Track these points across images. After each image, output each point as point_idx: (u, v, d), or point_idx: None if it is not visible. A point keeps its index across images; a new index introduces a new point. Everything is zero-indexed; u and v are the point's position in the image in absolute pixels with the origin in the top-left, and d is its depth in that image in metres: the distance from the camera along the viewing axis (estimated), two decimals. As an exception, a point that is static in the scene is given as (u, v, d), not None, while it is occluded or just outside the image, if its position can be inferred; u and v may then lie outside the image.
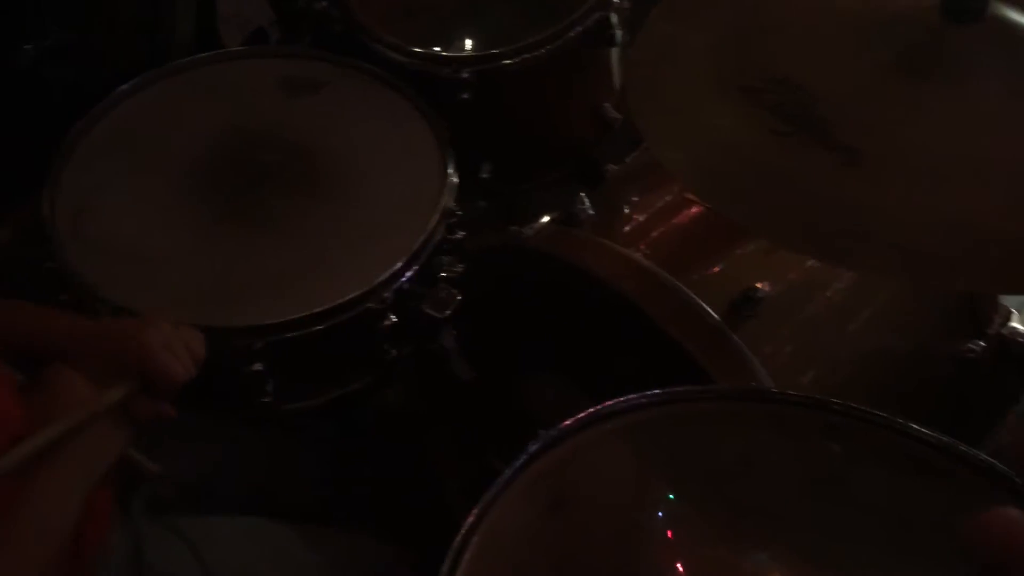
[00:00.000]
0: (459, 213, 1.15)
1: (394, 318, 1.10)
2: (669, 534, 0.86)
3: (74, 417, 0.78)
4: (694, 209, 1.38)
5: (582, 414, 0.92)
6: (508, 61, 1.25)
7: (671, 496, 0.88)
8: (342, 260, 1.11)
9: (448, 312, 1.14)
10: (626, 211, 1.41)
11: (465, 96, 1.26)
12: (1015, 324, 1.42)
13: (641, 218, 1.38)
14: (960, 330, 1.40)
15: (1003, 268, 0.91)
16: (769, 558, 0.84)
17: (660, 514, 0.88)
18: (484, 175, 1.35)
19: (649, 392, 0.94)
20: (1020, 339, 1.40)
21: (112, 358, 0.83)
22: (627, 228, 1.36)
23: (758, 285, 1.18)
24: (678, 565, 0.83)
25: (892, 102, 1.00)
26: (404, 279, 1.09)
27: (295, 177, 1.18)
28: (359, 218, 1.15)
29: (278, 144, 1.22)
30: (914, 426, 0.90)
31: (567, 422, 0.92)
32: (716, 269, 1.30)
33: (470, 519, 0.84)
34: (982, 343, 1.37)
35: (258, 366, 1.06)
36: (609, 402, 0.93)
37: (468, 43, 1.36)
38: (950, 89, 0.99)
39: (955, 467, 0.87)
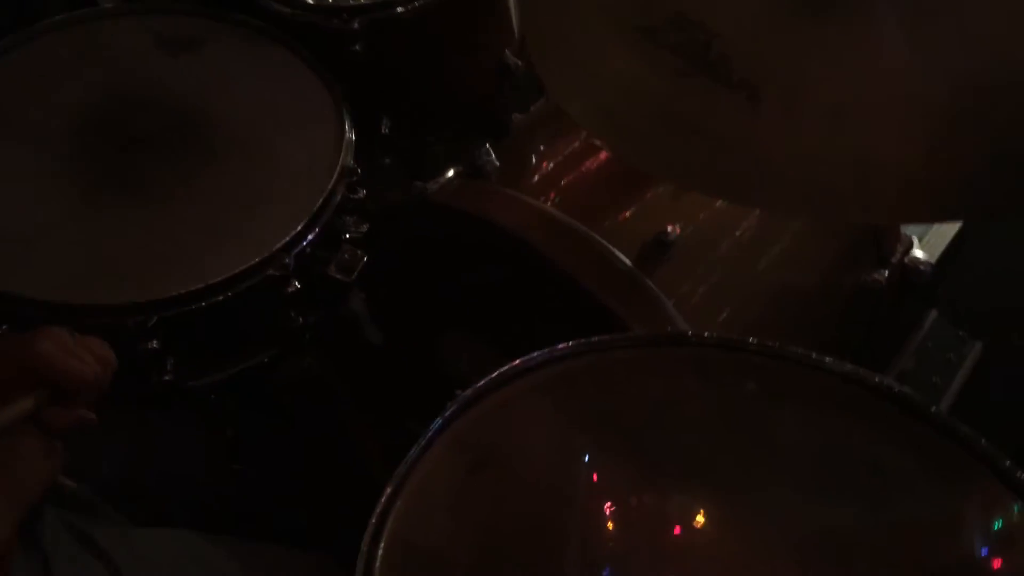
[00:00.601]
0: (359, 171, 1.10)
1: (298, 284, 1.05)
2: (595, 480, 0.86)
3: None
4: (602, 155, 1.36)
5: (497, 372, 0.91)
6: (400, 9, 1.19)
7: (594, 445, 0.88)
8: (238, 227, 1.05)
9: (355, 275, 1.10)
10: (533, 161, 1.38)
11: (356, 48, 1.20)
12: (916, 252, 1.45)
13: (549, 167, 1.36)
14: (865, 261, 1.42)
15: (902, 199, 0.92)
16: (693, 499, 0.85)
17: (584, 464, 0.87)
18: (384, 131, 1.30)
19: (563, 345, 0.93)
20: (921, 267, 1.44)
21: (7, 367, 0.76)
22: (535, 178, 1.34)
23: (668, 228, 1.17)
24: (606, 510, 0.84)
25: (790, 38, 0.99)
26: (305, 243, 1.04)
27: (179, 143, 1.12)
28: (253, 182, 1.09)
29: (159, 108, 1.14)
30: (828, 360, 0.91)
31: (482, 381, 0.90)
32: (627, 214, 1.29)
33: (389, 487, 0.82)
34: (886, 272, 1.40)
35: (154, 344, 1.00)
36: (523, 358, 0.92)
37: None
38: (847, 25, 0.98)
39: (871, 400, 0.89)
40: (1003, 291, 1.90)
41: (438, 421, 0.87)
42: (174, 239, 1.04)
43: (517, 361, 0.93)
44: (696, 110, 0.97)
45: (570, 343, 0.93)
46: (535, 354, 0.93)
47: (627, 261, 1.17)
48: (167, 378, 1.04)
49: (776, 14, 1.00)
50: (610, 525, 0.83)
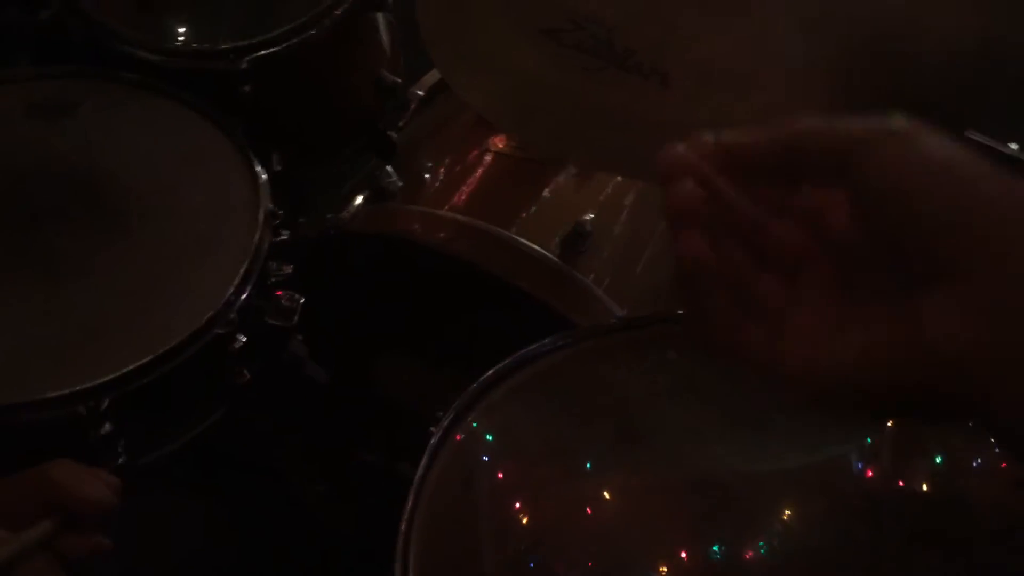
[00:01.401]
0: (280, 213, 1.08)
1: (243, 338, 1.02)
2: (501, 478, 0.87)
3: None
4: (488, 158, 1.39)
5: (461, 398, 0.90)
6: (286, 43, 1.17)
7: (562, 447, 0.90)
8: (171, 289, 1.00)
9: (295, 319, 1.08)
10: (427, 175, 1.40)
11: (246, 89, 1.17)
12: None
13: (444, 178, 1.38)
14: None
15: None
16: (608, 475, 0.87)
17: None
18: (276, 167, 1.27)
19: (503, 363, 0.93)
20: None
21: (24, 502, 0.74)
22: (434, 191, 1.36)
23: (585, 218, 1.22)
24: (516, 504, 0.85)
25: (679, 19, 1.05)
26: (245, 294, 1.01)
27: (84, 212, 1.05)
28: (173, 241, 1.04)
29: (50, 179, 1.07)
30: None
31: (451, 410, 0.89)
32: (532, 211, 1.33)
33: (402, 526, 0.81)
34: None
35: (107, 427, 0.94)
36: (475, 384, 0.91)
37: (214, 33, 1.26)
38: (729, 10, 1.05)
39: None
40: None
41: (426, 458, 0.86)
42: (103, 313, 0.98)
43: (472, 386, 0.92)
44: (609, 100, 1.02)
45: (510, 360, 0.93)
46: (482, 379, 0.92)
47: (554, 257, 1.20)
48: (120, 461, 0.99)
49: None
50: (524, 519, 0.84)
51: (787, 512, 0.84)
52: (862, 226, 0.48)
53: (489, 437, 0.90)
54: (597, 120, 1.03)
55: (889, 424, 0.90)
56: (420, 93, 1.54)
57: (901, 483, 0.86)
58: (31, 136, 1.11)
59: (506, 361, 0.93)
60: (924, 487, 0.86)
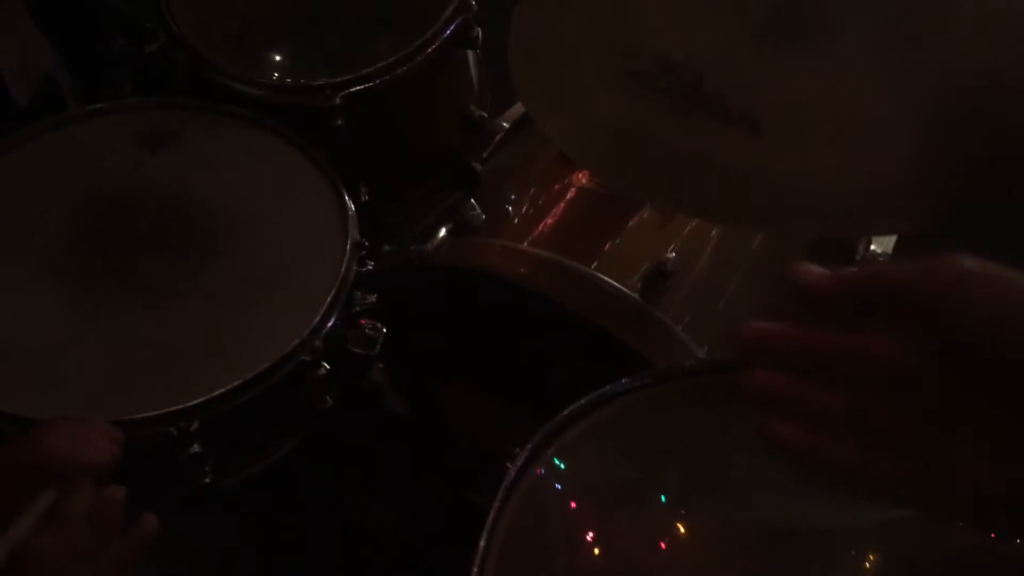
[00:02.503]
0: (367, 244, 1.11)
1: (327, 366, 1.04)
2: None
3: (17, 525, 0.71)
4: (570, 193, 1.39)
5: (537, 435, 0.90)
6: (379, 80, 1.20)
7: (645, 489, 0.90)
8: (260, 315, 1.04)
9: (377, 348, 1.10)
10: (509, 208, 1.40)
11: (339, 122, 1.21)
12: (874, 247, 1.54)
13: (527, 212, 1.39)
14: (830, 259, 1.50)
15: (899, 211, 0.98)
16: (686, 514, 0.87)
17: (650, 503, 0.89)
18: (364, 198, 1.31)
19: (579, 403, 0.92)
20: (881, 260, 1.53)
21: (23, 475, 0.77)
22: (516, 225, 1.36)
23: (667, 256, 1.22)
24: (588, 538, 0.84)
25: (773, 67, 1.04)
26: (330, 323, 1.04)
27: (178, 239, 1.09)
28: (261, 268, 1.08)
29: (149, 206, 1.12)
30: None
31: (527, 447, 0.89)
32: (613, 246, 1.32)
33: (480, 548, 0.82)
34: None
35: (196, 448, 0.98)
36: (551, 422, 0.92)
37: (307, 68, 1.31)
38: (818, 48, 1.05)
39: None
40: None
41: (500, 496, 0.86)
42: (195, 337, 1.02)
43: (551, 422, 0.92)
44: (697, 144, 1.02)
45: (587, 399, 0.93)
46: (562, 414, 0.92)
47: (635, 295, 1.20)
48: (207, 480, 1.02)
49: (753, 44, 1.06)
50: (596, 551, 0.84)
51: (869, 560, 0.83)
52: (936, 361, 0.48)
53: (563, 467, 0.89)
54: (682, 165, 1.02)
55: None
56: (505, 125, 1.56)
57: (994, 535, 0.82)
58: (135, 164, 1.16)
59: (582, 401, 0.93)
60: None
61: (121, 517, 0.76)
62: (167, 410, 0.94)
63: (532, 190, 1.40)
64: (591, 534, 0.85)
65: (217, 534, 1.14)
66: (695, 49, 1.06)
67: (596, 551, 0.84)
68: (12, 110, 1.49)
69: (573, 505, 0.87)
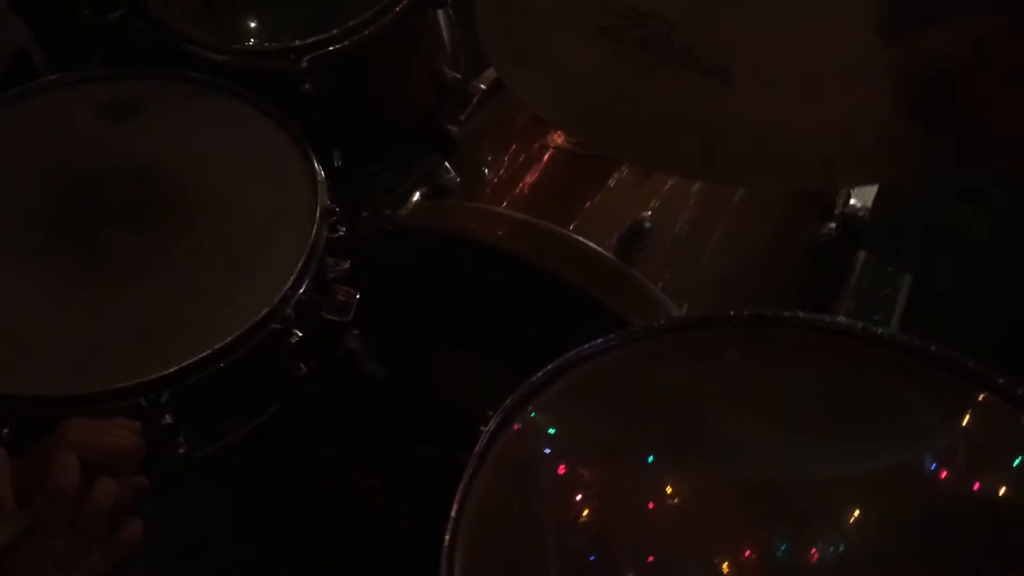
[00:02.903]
0: (338, 210, 1.09)
1: (300, 333, 1.03)
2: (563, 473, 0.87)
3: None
4: (547, 155, 1.37)
5: (515, 395, 0.90)
6: (346, 42, 1.18)
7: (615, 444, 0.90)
8: (229, 285, 1.03)
9: (351, 314, 1.09)
10: (485, 171, 1.39)
11: (307, 86, 1.19)
12: (853, 201, 1.53)
13: (503, 174, 1.37)
14: (808, 216, 1.49)
15: (878, 160, 0.96)
16: (672, 472, 0.87)
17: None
18: (336, 163, 1.29)
19: (550, 366, 0.92)
20: (860, 214, 1.52)
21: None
22: (492, 187, 1.35)
23: (644, 216, 1.20)
24: (577, 499, 0.85)
25: (742, 15, 1.02)
26: (302, 290, 1.03)
27: (148, 211, 1.08)
28: (232, 237, 1.06)
29: (118, 179, 1.10)
30: (807, 316, 0.94)
31: (505, 403, 0.89)
32: (590, 207, 1.31)
33: (452, 515, 0.82)
34: (832, 224, 1.47)
35: (168, 419, 0.97)
36: (523, 386, 0.91)
37: (279, 32, 1.28)
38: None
39: (861, 349, 0.92)
40: (920, 223, 2.02)
41: (480, 447, 0.87)
42: (166, 309, 1.01)
43: (527, 381, 0.92)
44: (669, 97, 1.00)
45: (563, 357, 0.92)
46: (538, 374, 0.92)
47: (611, 255, 1.19)
48: (181, 451, 1.01)
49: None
50: (585, 512, 0.85)
51: (855, 515, 0.84)
52: None
53: (551, 431, 0.90)
54: (655, 120, 1.01)
55: (967, 419, 0.88)
56: (482, 87, 1.53)
57: (977, 485, 0.84)
58: (100, 136, 1.14)
59: (554, 363, 0.92)
60: (1001, 491, 0.83)
61: (103, 524, 0.75)
62: (136, 382, 0.93)
63: (508, 152, 1.38)
64: (579, 495, 0.85)
65: (203, 508, 1.13)
66: (664, 1, 1.04)
67: (585, 512, 0.85)
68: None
69: (561, 469, 0.87)
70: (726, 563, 0.81)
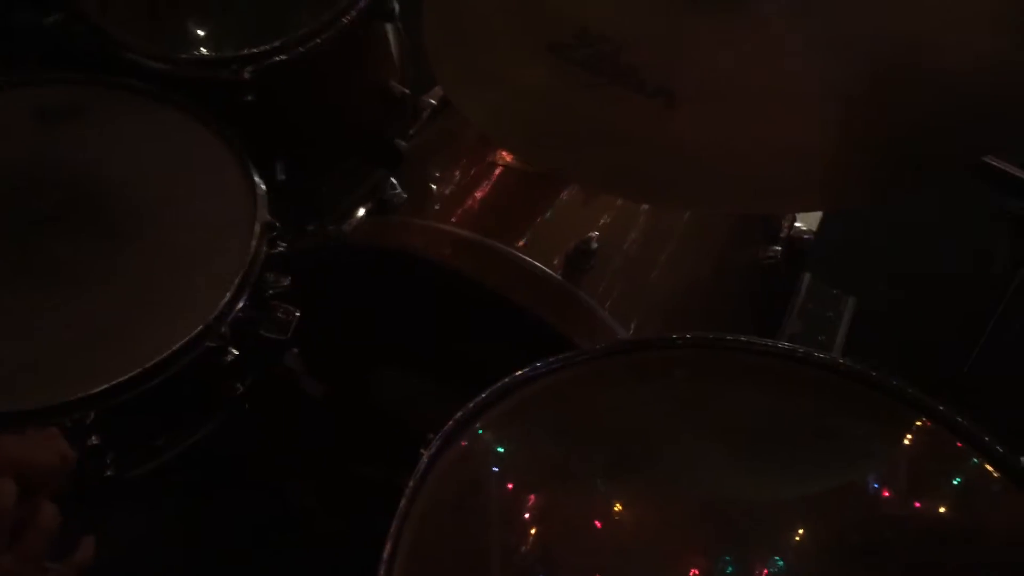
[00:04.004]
0: (278, 225, 1.07)
1: (235, 352, 1.00)
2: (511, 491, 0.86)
3: None
4: (496, 172, 1.36)
5: (458, 414, 0.89)
6: (290, 53, 1.16)
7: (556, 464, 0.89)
8: (163, 300, 1.00)
9: (290, 332, 1.06)
10: (433, 187, 1.37)
11: (249, 98, 1.16)
12: (798, 224, 1.54)
13: (450, 191, 1.36)
14: (754, 238, 1.50)
15: (824, 187, 0.96)
16: (617, 492, 0.87)
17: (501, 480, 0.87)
18: (280, 176, 1.26)
19: (492, 388, 0.91)
20: (805, 236, 1.53)
21: None
22: (438, 204, 1.33)
23: (590, 236, 1.20)
24: (526, 517, 0.84)
25: (690, 39, 1.02)
26: (238, 308, 1.00)
27: (83, 220, 1.05)
28: (169, 251, 1.03)
29: (53, 185, 1.07)
30: (751, 340, 0.94)
31: (446, 426, 0.88)
32: (537, 225, 1.30)
33: (388, 543, 0.80)
34: (778, 248, 1.48)
35: (94, 439, 0.93)
36: (481, 395, 0.91)
37: (226, 40, 1.25)
38: (737, 19, 1.03)
39: (804, 372, 0.92)
40: (862, 246, 2.05)
41: (421, 467, 0.85)
42: (97, 324, 0.97)
43: (473, 401, 0.91)
44: (614, 118, 1.00)
45: (515, 375, 0.92)
46: (485, 392, 0.91)
47: (556, 275, 1.18)
48: (108, 473, 0.98)
49: (670, 17, 1.03)
50: (533, 530, 0.84)
51: (799, 534, 0.84)
52: None
53: (499, 449, 0.89)
54: (601, 139, 1.00)
55: (907, 442, 0.89)
56: (432, 102, 1.52)
57: (917, 504, 0.85)
58: (35, 141, 1.11)
59: (501, 382, 0.91)
60: (941, 509, 0.85)
61: (48, 544, 0.72)
62: (59, 401, 0.90)
63: (456, 168, 1.37)
64: (527, 515, 0.85)
65: (137, 526, 1.10)
66: (614, 20, 1.04)
67: (532, 531, 0.84)
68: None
69: (509, 486, 0.87)
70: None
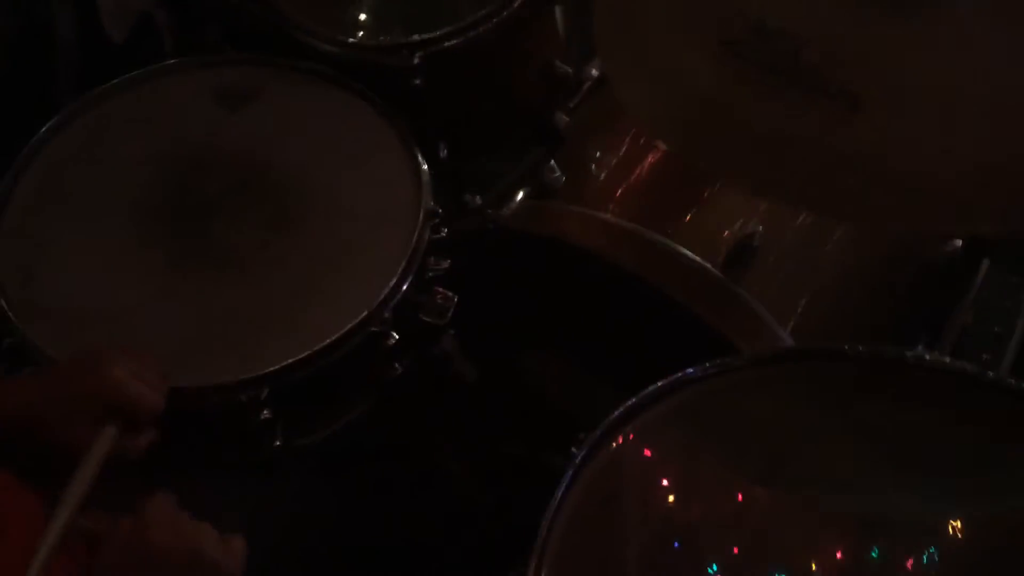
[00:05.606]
0: (440, 211, 1.08)
1: (396, 336, 1.03)
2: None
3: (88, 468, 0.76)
4: (650, 156, 1.33)
5: (618, 410, 0.90)
6: (461, 39, 1.16)
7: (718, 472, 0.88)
8: (329, 285, 1.03)
9: (448, 317, 1.09)
10: (592, 169, 1.36)
11: (417, 82, 1.17)
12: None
13: (610, 174, 1.34)
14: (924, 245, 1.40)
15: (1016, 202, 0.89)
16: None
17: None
18: (442, 155, 1.28)
19: (673, 377, 0.92)
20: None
21: (83, 399, 0.81)
22: (597, 188, 1.32)
23: (754, 231, 1.16)
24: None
25: (878, 38, 0.96)
26: (401, 294, 1.03)
27: (254, 203, 1.09)
28: (335, 235, 1.07)
29: (227, 169, 1.11)
30: (919, 356, 0.91)
31: (608, 420, 0.89)
32: (695, 215, 1.27)
33: (545, 525, 0.82)
34: (959, 242, 1.39)
35: (266, 413, 0.99)
36: (643, 392, 0.91)
37: (396, 24, 1.27)
38: (931, 19, 0.95)
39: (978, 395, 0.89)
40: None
41: (575, 460, 0.87)
42: (267, 305, 1.02)
43: (636, 397, 0.92)
44: (789, 124, 0.95)
45: (680, 374, 0.92)
46: (649, 389, 0.92)
47: (716, 271, 1.15)
48: (278, 443, 1.03)
49: (859, 15, 0.97)
50: (670, 499, 0.87)
51: (956, 530, 0.84)
52: None
53: (647, 454, 0.90)
54: (771, 145, 0.96)
55: None
56: (594, 72, 1.49)
57: None
58: (214, 123, 1.16)
59: (660, 384, 0.91)
60: None
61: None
62: (238, 379, 0.95)
63: (617, 150, 1.34)
64: (671, 491, 0.88)
65: (294, 499, 1.16)
66: (793, 15, 0.99)
67: (674, 499, 0.87)
68: (109, 48, 1.51)
69: (659, 474, 0.89)
70: (814, 563, 0.81)
